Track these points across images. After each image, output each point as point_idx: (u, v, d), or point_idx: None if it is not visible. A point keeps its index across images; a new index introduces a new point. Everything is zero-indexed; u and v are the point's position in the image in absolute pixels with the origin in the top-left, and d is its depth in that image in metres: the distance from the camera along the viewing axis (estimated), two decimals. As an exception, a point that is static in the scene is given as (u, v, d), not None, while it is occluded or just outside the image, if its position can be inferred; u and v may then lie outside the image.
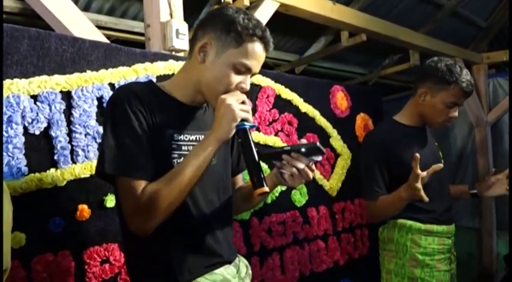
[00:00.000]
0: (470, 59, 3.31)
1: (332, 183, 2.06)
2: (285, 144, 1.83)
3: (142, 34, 2.05)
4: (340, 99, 2.16)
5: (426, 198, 1.37)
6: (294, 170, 1.00)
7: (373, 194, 1.56)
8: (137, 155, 0.92)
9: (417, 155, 1.36)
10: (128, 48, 1.40)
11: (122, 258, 1.29)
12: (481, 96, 3.47)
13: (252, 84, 1.75)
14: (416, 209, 1.57)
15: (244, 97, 0.96)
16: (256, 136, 1.74)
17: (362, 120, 2.27)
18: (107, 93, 1.31)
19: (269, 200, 1.76)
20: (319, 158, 1.06)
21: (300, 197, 1.90)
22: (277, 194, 1.80)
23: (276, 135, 1.83)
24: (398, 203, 1.50)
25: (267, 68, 1.91)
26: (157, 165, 0.95)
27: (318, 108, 2.02)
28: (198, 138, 1.04)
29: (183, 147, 1.01)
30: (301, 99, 1.95)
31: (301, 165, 1.00)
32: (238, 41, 0.97)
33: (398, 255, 1.60)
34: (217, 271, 1.02)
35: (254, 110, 1.76)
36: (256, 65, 1.01)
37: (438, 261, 1.59)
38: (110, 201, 1.27)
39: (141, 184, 0.91)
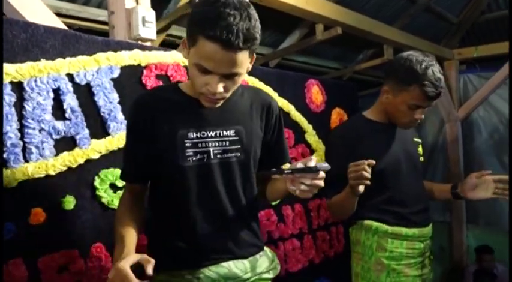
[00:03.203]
0: (442, 55, 3.32)
1: (307, 180, 2.00)
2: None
3: (107, 23, 1.93)
4: (316, 94, 2.10)
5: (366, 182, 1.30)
6: (303, 186, 0.96)
7: (328, 191, 1.47)
8: (127, 163, 1.08)
9: (372, 161, 1.30)
10: (88, 35, 1.29)
11: (82, 266, 1.18)
12: (452, 92, 3.50)
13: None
14: (383, 210, 1.50)
15: None
16: (229, 132, 1.66)
17: (337, 115, 2.22)
18: (65, 85, 1.19)
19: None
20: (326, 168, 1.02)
21: (274, 194, 1.83)
22: (251, 192, 1.73)
23: (249, 130, 1.75)
24: (346, 200, 1.43)
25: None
26: (171, 165, 1.01)
27: (293, 103, 1.96)
28: (218, 134, 1.05)
29: (199, 145, 1.03)
30: (276, 94, 1.87)
31: (308, 182, 0.96)
32: (194, 39, 0.91)
33: (364, 258, 1.52)
34: (224, 264, 1.05)
35: (227, 104, 1.67)
36: (216, 66, 0.90)
37: (406, 266, 1.50)
38: (68, 203, 1.16)
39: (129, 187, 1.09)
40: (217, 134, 1.04)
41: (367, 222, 1.53)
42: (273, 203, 1.83)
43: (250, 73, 1.77)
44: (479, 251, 3.27)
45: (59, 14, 2.00)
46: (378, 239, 1.51)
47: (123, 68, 1.33)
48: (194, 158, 1.01)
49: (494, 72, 3.28)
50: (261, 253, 1.13)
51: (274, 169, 1.02)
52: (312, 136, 2.04)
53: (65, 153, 1.19)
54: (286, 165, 1.19)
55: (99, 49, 1.29)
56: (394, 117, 1.56)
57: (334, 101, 2.20)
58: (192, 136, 1.01)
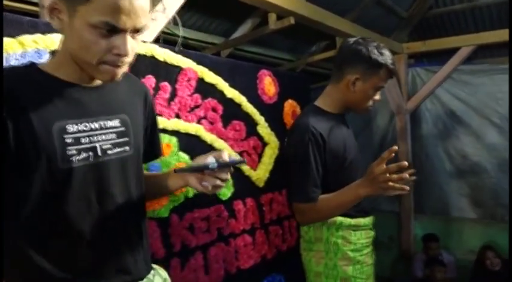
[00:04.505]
0: (392, 48, 3.37)
1: (259, 174, 1.94)
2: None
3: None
4: (268, 85, 2.04)
5: (406, 187, 1.23)
6: (219, 182, 0.91)
7: (312, 195, 1.41)
8: None
9: (395, 147, 1.24)
10: (12, 15, 1.14)
11: None
12: (402, 85, 3.57)
13: (171, 66, 1.56)
14: None
15: None
16: (176, 124, 1.55)
17: (290, 107, 2.17)
18: (-18, 70, 1.04)
19: (191, 195, 1.60)
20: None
21: (225, 189, 1.75)
22: (200, 188, 1.64)
23: (198, 122, 1.66)
24: (350, 203, 1.37)
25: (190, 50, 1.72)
26: (47, 171, 0.79)
27: (245, 94, 1.88)
28: (102, 125, 0.86)
29: (83, 140, 0.82)
30: (227, 84, 1.79)
31: (226, 176, 0.91)
32: None
33: (328, 256, 1.48)
34: None
35: (174, 95, 1.57)
36: (127, 18, 0.76)
37: (366, 256, 1.53)
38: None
39: None
40: (102, 125, 0.86)
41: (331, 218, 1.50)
42: (224, 198, 1.75)
43: (199, 62, 1.67)
44: (426, 239, 3.38)
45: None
46: (342, 233, 1.49)
47: (53, 53, 1.19)
48: (78, 158, 0.81)
49: (441, 67, 3.39)
50: (153, 272, 0.99)
51: (184, 166, 0.97)
52: (264, 128, 1.98)
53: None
54: (182, 163, 1.11)
55: (24, 30, 1.14)
56: (357, 104, 1.54)
57: (286, 93, 2.15)
58: (73, 129, 0.81)
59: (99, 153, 0.85)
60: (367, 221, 1.54)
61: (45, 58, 1.17)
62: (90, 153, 0.84)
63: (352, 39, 1.53)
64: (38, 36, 1.16)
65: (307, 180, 1.41)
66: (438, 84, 3.44)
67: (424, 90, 3.50)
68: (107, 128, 0.87)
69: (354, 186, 1.36)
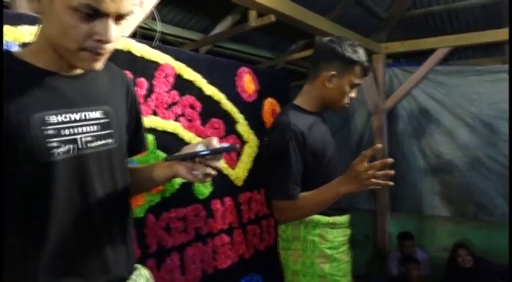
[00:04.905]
0: (371, 48, 3.40)
1: (238, 173, 1.92)
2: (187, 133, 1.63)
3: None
4: (248, 82, 2.02)
5: (390, 183, 1.25)
6: (209, 169, 0.88)
7: (292, 192, 1.41)
8: None
9: (379, 145, 1.25)
10: (-22, 5, 1.08)
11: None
12: (379, 84, 3.61)
13: (148, 61, 1.52)
14: None
15: None
16: (153, 121, 1.51)
17: (270, 106, 2.16)
18: None
19: (167, 194, 1.56)
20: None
21: (203, 188, 1.72)
22: (177, 187, 1.60)
23: (176, 120, 1.62)
24: (330, 201, 1.39)
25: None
26: (28, 164, 0.74)
27: (224, 91, 1.85)
28: (84, 116, 0.82)
29: (64, 131, 0.78)
30: (205, 81, 1.76)
31: (217, 163, 0.88)
32: None
33: (306, 254, 1.49)
34: None
35: (150, 91, 1.53)
36: (110, 2, 0.72)
37: (343, 253, 1.54)
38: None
39: None
40: (84, 117, 0.82)
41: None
42: (201, 197, 1.72)
43: (177, 58, 1.64)
44: (401, 237, 3.43)
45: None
46: (319, 231, 1.49)
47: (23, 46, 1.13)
48: (59, 150, 0.77)
49: (418, 67, 3.44)
50: (136, 273, 0.95)
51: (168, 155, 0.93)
52: (243, 126, 1.96)
53: None
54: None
55: (-8, 22, 1.09)
56: (334, 101, 1.56)
57: (266, 91, 2.13)
58: (53, 120, 0.77)
59: (81, 145, 0.81)
60: (343, 219, 1.56)
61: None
62: (72, 145, 0.80)
63: (327, 38, 1.56)
64: (8, 28, 1.10)
65: (288, 178, 1.41)
66: (415, 85, 3.50)
67: (401, 90, 3.55)
68: (89, 120, 0.83)
69: (333, 184, 1.36)
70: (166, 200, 1.56)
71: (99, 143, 0.85)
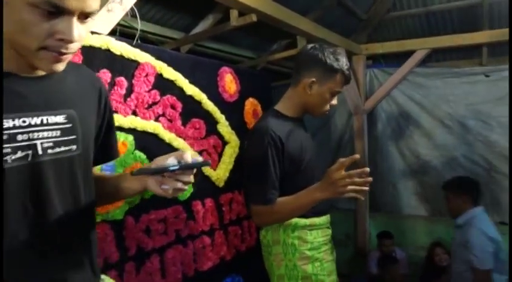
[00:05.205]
0: (352, 49, 3.42)
1: (219, 173, 1.90)
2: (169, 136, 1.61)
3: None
4: (229, 82, 2.00)
5: (366, 189, 1.26)
6: (180, 184, 0.85)
7: (270, 196, 1.42)
8: None
9: (357, 156, 1.26)
10: None
11: None
12: (360, 85, 3.64)
13: (128, 60, 1.48)
14: None
15: None
16: (132, 121, 1.48)
17: (251, 106, 2.14)
18: None
19: (147, 196, 1.53)
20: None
21: (183, 190, 1.69)
22: (157, 188, 1.57)
23: (156, 120, 1.59)
24: (307, 206, 1.40)
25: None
26: None
27: (205, 91, 1.83)
28: (45, 121, 0.76)
29: (19, 137, 0.72)
30: (187, 81, 1.73)
31: (188, 178, 0.85)
32: None
33: (287, 257, 1.50)
34: None
35: (130, 91, 1.49)
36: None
37: (325, 253, 1.55)
38: None
39: None
40: (44, 121, 0.76)
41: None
42: (182, 199, 1.70)
43: (158, 57, 1.61)
44: (380, 236, 3.47)
45: None
46: (298, 233, 1.51)
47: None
48: (14, 157, 0.72)
49: (397, 68, 3.48)
50: None
51: (145, 165, 0.90)
52: (224, 127, 1.94)
53: None
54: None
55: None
56: (315, 107, 1.57)
57: (248, 91, 2.12)
58: (8, 125, 0.71)
59: (40, 152, 0.76)
60: (322, 220, 1.57)
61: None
62: (29, 152, 0.74)
63: (310, 45, 1.58)
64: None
65: (266, 183, 1.42)
66: (394, 86, 3.54)
67: (381, 91, 3.59)
68: (49, 124, 0.78)
69: (311, 189, 1.38)
70: (146, 202, 1.53)
71: (61, 149, 0.80)
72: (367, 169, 1.25)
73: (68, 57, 0.75)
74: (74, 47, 0.73)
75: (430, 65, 3.62)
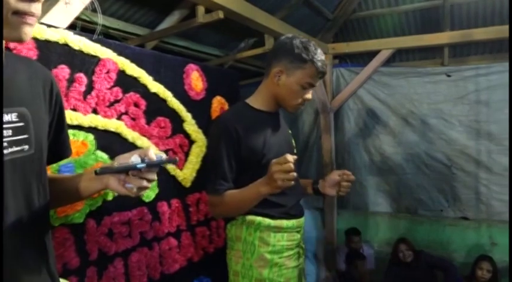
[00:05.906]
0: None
1: (186, 173, 1.86)
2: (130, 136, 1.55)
3: None
4: (195, 80, 1.95)
5: (292, 182, 1.23)
6: (145, 183, 0.83)
7: (217, 187, 1.40)
8: None
9: (294, 156, 1.22)
10: None
11: None
12: (327, 84, 3.68)
13: (88, 55, 1.41)
14: (268, 204, 1.45)
15: None
16: (93, 120, 1.41)
17: (218, 104, 2.11)
18: None
19: (110, 197, 1.47)
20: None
21: (148, 191, 1.64)
22: (120, 189, 1.51)
23: (118, 118, 1.53)
24: (252, 200, 1.37)
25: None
26: None
27: (171, 89, 1.78)
28: (10, 119, 0.73)
29: None
30: (151, 78, 1.67)
31: (153, 176, 0.84)
32: None
33: (245, 256, 1.47)
34: None
35: (90, 88, 1.42)
36: None
37: (287, 258, 1.50)
38: None
39: None
40: (11, 119, 0.74)
41: (250, 217, 1.48)
42: (147, 200, 1.64)
43: (120, 53, 1.54)
44: (349, 233, 3.52)
45: None
46: (260, 234, 1.46)
47: None
48: None
49: (363, 68, 3.54)
50: None
51: (104, 165, 0.86)
52: (191, 125, 1.89)
53: None
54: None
55: None
56: (285, 100, 1.52)
57: (215, 89, 2.08)
58: None
59: None
60: (291, 223, 1.52)
61: None
62: None
63: (283, 36, 1.55)
64: None
65: (216, 173, 1.41)
66: (360, 85, 3.60)
67: (347, 90, 3.65)
68: (18, 122, 0.75)
69: (256, 183, 1.34)
70: (108, 204, 1.47)
71: (13, 149, 0.75)
72: (291, 157, 1.20)
73: (34, 24, 0.72)
74: (38, 7, 0.71)
75: (395, 65, 3.70)
